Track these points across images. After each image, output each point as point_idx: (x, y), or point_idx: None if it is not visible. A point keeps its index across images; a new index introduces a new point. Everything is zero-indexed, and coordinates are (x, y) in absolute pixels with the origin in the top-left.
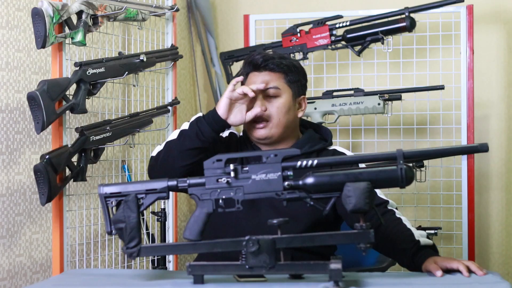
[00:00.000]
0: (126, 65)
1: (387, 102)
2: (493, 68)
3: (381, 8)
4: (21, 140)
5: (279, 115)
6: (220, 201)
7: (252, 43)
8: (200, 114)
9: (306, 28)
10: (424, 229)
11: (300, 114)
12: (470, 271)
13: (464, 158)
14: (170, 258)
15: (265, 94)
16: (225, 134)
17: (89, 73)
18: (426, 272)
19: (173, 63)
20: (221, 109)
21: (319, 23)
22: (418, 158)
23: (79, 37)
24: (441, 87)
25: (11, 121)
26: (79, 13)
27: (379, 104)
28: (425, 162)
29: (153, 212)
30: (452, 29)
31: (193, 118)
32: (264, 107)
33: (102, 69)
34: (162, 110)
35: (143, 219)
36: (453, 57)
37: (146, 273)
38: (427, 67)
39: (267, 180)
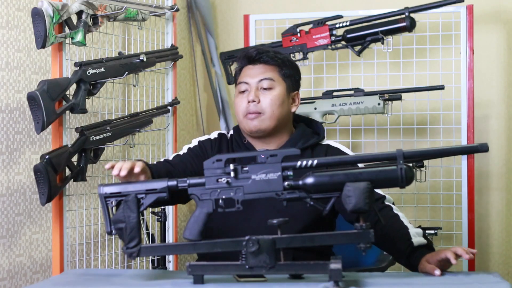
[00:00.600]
0: (126, 65)
1: (387, 102)
2: (493, 68)
3: (381, 8)
4: (21, 140)
5: (273, 107)
6: (220, 201)
7: (252, 43)
8: None
9: (306, 28)
10: (424, 229)
11: (293, 109)
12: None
13: (464, 158)
14: (170, 258)
15: (259, 86)
16: (214, 135)
17: (89, 73)
18: (424, 273)
19: (173, 63)
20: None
21: (319, 23)
22: (418, 158)
23: (79, 37)
24: (441, 87)
25: (11, 121)
26: (79, 13)
27: (379, 104)
28: (425, 162)
29: (153, 212)
30: (452, 29)
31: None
32: (258, 99)
33: (102, 69)
34: (162, 110)
35: (143, 219)
36: (453, 57)
37: (146, 273)
38: (427, 67)
39: (267, 180)
